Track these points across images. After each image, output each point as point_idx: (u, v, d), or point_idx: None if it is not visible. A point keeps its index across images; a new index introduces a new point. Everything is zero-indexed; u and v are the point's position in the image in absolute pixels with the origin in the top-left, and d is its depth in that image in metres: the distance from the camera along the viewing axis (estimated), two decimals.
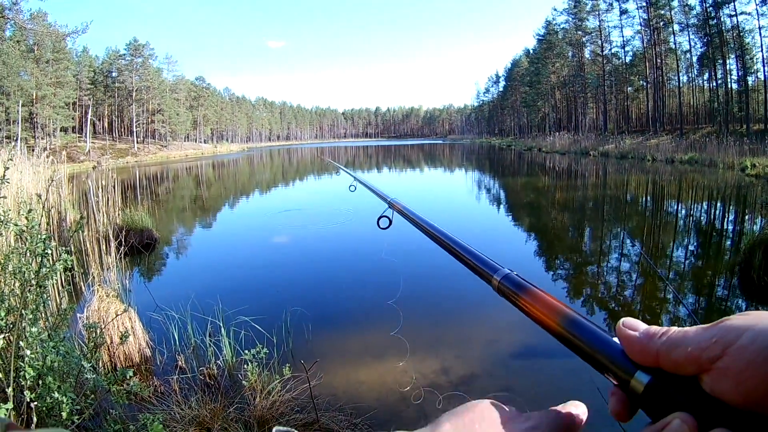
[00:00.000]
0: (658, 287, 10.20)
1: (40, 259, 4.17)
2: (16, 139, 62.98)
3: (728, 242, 14.25)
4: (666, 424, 0.51)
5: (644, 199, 24.93)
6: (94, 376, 3.84)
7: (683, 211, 20.33)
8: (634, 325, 0.60)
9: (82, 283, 9.48)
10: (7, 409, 3.15)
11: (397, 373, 6.63)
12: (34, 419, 3.59)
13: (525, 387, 6.29)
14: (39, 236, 4.21)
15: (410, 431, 0.63)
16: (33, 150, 21.18)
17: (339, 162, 69.41)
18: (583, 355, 0.64)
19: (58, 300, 7.90)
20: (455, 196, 27.90)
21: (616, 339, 0.62)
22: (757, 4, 59.91)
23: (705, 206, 21.66)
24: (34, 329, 3.67)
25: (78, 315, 7.24)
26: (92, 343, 4.81)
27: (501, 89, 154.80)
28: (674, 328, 0.57)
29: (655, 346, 0.56)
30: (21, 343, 3.60)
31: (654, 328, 0.58)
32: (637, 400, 0.57)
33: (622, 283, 10.78)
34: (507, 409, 0.69)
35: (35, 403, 3.52)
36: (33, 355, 3.56)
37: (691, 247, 13.79)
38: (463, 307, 9.11)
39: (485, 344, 7.59)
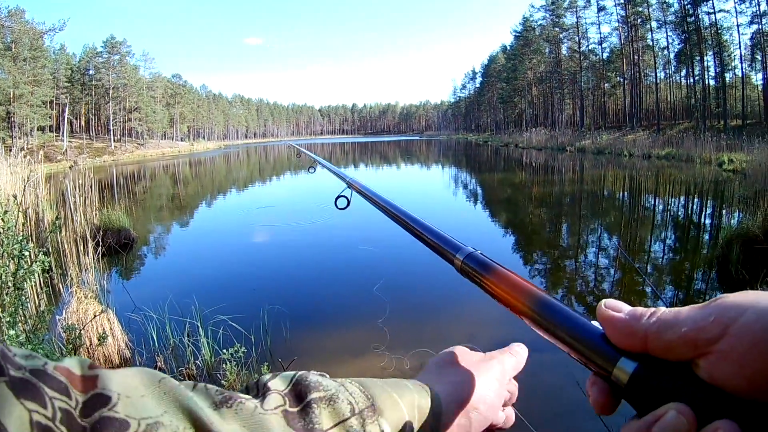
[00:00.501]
0: (636, 281, 10.30)
1: (16, 260, 4.19)
2: None
3: (706, 236, 14.44)
4: (658, 417, 0.43)
5: (621, 194, 25.06)
6: None
7: (660, 206, 20.47)
8: (618, 306, 0.53)
9: (60, 285, 9.48)
10: None
11: (376, 368, 6.69)
12: None
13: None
14: (15, 238, 4.24)
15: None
16: (10, 150, 21.06)
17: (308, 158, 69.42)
18: (558, 340, 0.57)
19: (36, 302, 7.90)
20: (431, 191, 27.93)
21: (595, 323, 0.55)
22: (735, 2, 60.38)
23: (682, 201, 21.87)
24: (12, 332, 3.70)
25: (57, 317, 7.25)
26: (71, 345, 4.84)
27: (478, 85, 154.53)
28: (663, 308, 0.50)
29: (643, 328, 0.49)
30: None
31: (640, 309, 0.52)
32: (620, 390, 0.50)
33: (600, 277, 10.87)
34: (474, 351, 0.91)
35: None
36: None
37: (669, 242, 13.91)
38: (438, 291, 9.19)
39: (467, 333, 7.65)
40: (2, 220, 4.35)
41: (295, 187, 33.21)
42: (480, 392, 0.80)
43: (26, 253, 4.27)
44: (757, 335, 0.40)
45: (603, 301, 0.54)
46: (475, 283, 0.77)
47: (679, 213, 18.89)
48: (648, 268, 11.26)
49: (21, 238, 4.26)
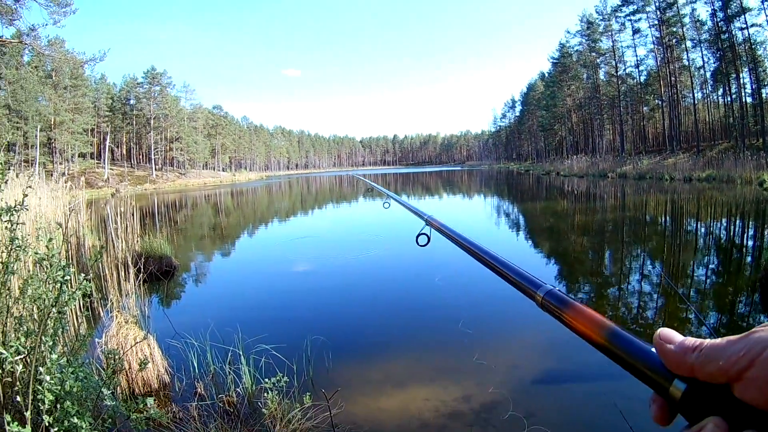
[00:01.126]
0: (680, 307, 10.11)
1: (59, 286, 4.15)
2: (34, 164, 63.51)
3: (749, 258, 14.21)
4: (701, 428, 0.56)
5: (663, 219, 24.76)
6: (114, 402, 3.79)
7: (702, 230, 20.19)
8: (670, 337, 0.64)
9: (100, 309, 9.46)
10: None
11: (419, 402, 6.56)
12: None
13: (553, 415, 6.20)
14: (59, 264, 4.20)
15: None
16: (51, 175, 21.36)
17: (359, 190, 69.63)
18: (625, 365, 0.68)
19: (76, 325, 7.87)
20: (475, 221, 27.79)
21: (653, 349, 0.66)
22: (767, 15, 59.71)
23: (724, 223, 21.59)
24: (54, 356, 3.65)
25: (96, 340, 7.23)
26: (111, 369, 4.77)
27: (517, 114, 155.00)
28: (707, 341, 0.61)
29: (690, 360, 0.61)
30: (41, 368, 3.57)
31: (689, 340, 0.63)
32: (675, 405, 0.62)
33: (643, 303, 10.66)
34: None
35: (54, 429, 3.48)
36: (52, 380, 3.53)
37: (711, 266, 13.63)
38: (494, 332, 9.00)
39: (509, 372, 7.48)
40: (47, 247, 4.31)
41: (338, 218, 33.18)
42: None
43: (68, 278, 4.22)
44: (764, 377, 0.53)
45: (659, 331, 0.66)
46: (554, 317, 0.87)
47: (721, 236, 18.58)
48: (691, 292, 11.06)
49: (64, 264, 4.22)
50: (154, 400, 3.86)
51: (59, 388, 3.58)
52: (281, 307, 11.75)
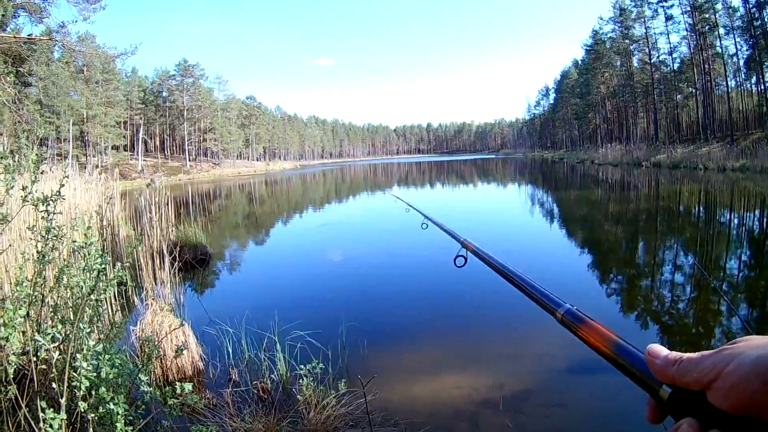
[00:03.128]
0: (712, 299, 10.04)
1: (96, 274, 4.17)
2: (68, 157, 64.03)
3: None
4: (678, 427, 0.68)
5: (698, 209, 24.40)
6: (150, 389, 3.81)
7: (736, 221, 19.81)
8: (657, 352, 0.77)
9: (135, 297, 9.56)
10: (60, 420, 3.13)
11: (451, 389, 6.55)
12: (90, 430, 3.57)
13: (576, 401, 6.19)
14: (97, 252, 4.22)
15: None
16: (85, 167, 21.46)
17: (393, 179, 69.64)
18: (626, 373, 0.81)
19: (111, 313, 7.94)
20: (512, 211, 27.64)
21: None
22: None
23: (758, 215, 21.23)
24: (91, 342, 3.66)
25: (131, 328, 7.28)
26: (146, 356, 4.79)
27: (551, 102, 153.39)
28: (686, 355, 0.73)
29: (671, 372, 0.73)
30: (77, 355, 3.59)
31: (672, 354, 0.75)
32: (664, 407, 0.74)
33: (676, 294, 10.56)
34: None
35: (91, 414, 3.50)
36: (88, 367, 3.54)
37: (744, 258, 13.46)
38: (521, 332, 8.95)
39: (537, 365, 7.46)
40: (85, 235, 4.33)
41: (373, 208, 33.15)
42: None
43: (105, 266, 4.24)
44: (734, 380, 0.63)
45: (648, 347, 0.78)
46: (571, 332, 0.98)
47: (755, 227, 18.31)
48: (724, 284, 10.93)
49: (102, 252, 4.24)
50: (192, 386, 3.87)
51: (94, 375, 3.60)
52: (316, 294, 11.78)
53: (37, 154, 4.86)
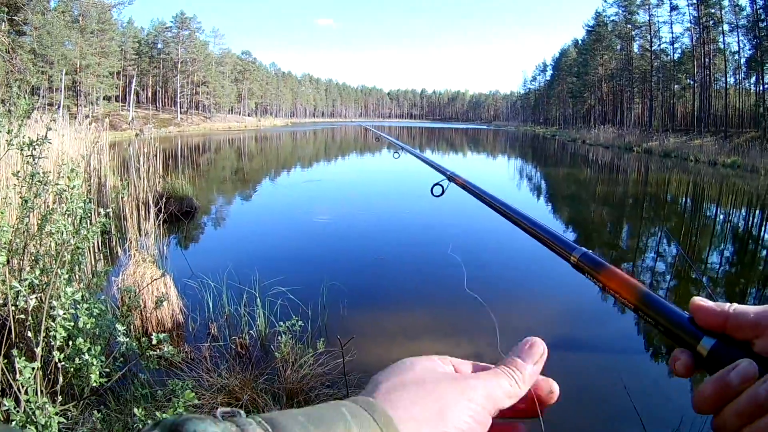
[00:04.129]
0: (692, 290, 10.10)
1: (79, 219, 4.14)
2: (59, 106, 63.59)
3: (765, 252, 14.11)
4: (735, 366, 0.62)
5: (685, 200, 24.48)
6: (127, 339, 3.80)
7: (722, 216, 19.84)
8: (703, 303, 0.71)
9: (118, 248, 9.53)
10: (33, 368, 3.11)
11: (431, 351, 6.57)
12: (60, 380, 3.56)
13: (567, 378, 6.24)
14: (80, 197, 4.19)
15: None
16: (75, 117, 21.33)
17: (383, 142, 69.57)
18: (656, 324, 0.75)
19: (93, 263, 7.92)
20: (499, 182, 27.66)
21: (682, 312, 0.74)
22: None
23: (744, 213, 21.23)
24: (69, 289, 3.64)
25: (113, 278, 7.27)
26: (126, 307, 4.78)
27: (548, 78, 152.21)
28: (735, 304, 0.69)
29: (726, 312, 0.68)
30: (54, 302, 3.57)
31: (721, 303, 0.70)
32: (701, 360, 0.68)
33: (656, 280, 10.65)
34: (444, 362, 0.75)
35: (62, 363, 3.49)
36: (66, 316, 3.52)
37: (726, 254, 13.51)
38: (502, 299, 8.97)
39: (521, 330, 7.49)
40: (68, 178, 4.30)
41: (360, 167, 33.18)
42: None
43: (89, 214, 4.21)
44: None
45: (696, 297, 0.73)
46: (588, 277, 0.90)
47: (740, 225, 18.28)
48: (704, 279, 10.98)
49: (85, 198, 4.21)
50: (168, 338, 3.86)
51: (72, 324, 3.58)
52: (300, 252, 11.79)
53: (27, 102, 4.82)
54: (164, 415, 2.95)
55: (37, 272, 3.87)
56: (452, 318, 7.94)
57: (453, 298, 8.74)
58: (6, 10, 40.05)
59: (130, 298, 4.98)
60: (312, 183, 24.57)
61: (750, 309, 0.67)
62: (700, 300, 0.72)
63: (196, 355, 5.87)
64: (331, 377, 5.46)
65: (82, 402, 3.94)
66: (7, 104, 5.11)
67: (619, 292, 0.82)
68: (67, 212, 4.17)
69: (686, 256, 11.85)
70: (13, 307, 3.67)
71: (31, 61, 61.47)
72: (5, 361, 3.41)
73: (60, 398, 3.43)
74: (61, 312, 3.46)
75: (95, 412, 3.59)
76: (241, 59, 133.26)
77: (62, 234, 4.07)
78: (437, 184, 1.99)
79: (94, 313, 3.73)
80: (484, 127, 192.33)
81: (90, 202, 4.30)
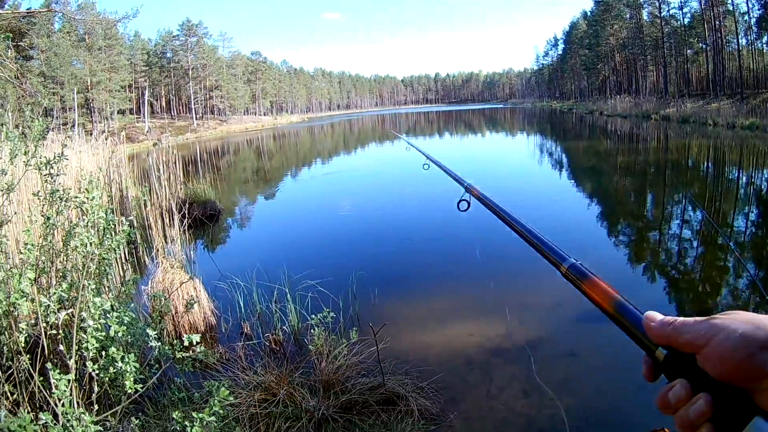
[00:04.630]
0: (719, 255, 10.01)
1: (102, 230, 4.15)
2: (74, 125, 63.95)
3: None
4: (672, 386, 0.72)
5: (707, 164, 23.97)
6: (159, 344, 3.80)
7: (745, 179, 19.37)
8: (654, 317, 0.80)
9: (146, 257, 9.58)
10: (68, 380, 3.12)
11: (463, 337, 6.57)
12: (96, 389, 3.57)
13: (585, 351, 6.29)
14: (101, 208, 4.20)
15: None
16: (91, 133, 21.44)
17: (400, 129, 69.41)
18: (626, 331, 0.84)
19: (122, 273, 7.96)
20: (521, 160, 27.58)
21: None
22: None
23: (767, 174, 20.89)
24: (97, 299, 3.64)
25: (142, 287, 7.30)
26: (157, 312, 4.79)
27: (560, 52, 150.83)
28: (681, 318, 0.77)
29: (666, 332, 0.76)
30: (84, 314, 3.58)
31: (667, 318, 0.78)
32: (659, 366, 0.78)
33: (684, 248, 10.56)
34: None
35: (97, 373, 3.50)
36: (96, 326, 3.53)
37: (753, 217, 13.28)
38: (528, 283, 8.93)
39: (547, 315, 7.48)
40: (87, 189, 4.31)
41: (379, 157, 33.16)
42: None
43: (111, 225, 4.22)
44: (722, 350, 0.67)
45: (646, 312, 0.82)
46: (574, 286, 1.00)
47: (763, 186, 17.85)
48: (731, 244, 10.82)
49: (106, 208, 4.22)
50: (200, 341, 3.85)
51: (104, 335, 3.59)
52: (326, 244, 11.87)
53: (40, 123, 4.84)
54: (201, 416, 2.94)
55: (65, 286, 3.87)
56: (481, 300, 7.93)
57: (480, 280, 8.74)
58: (11, 36, 40.27)
59: (160, 303, 4.99)
60: (332, 175, 24.68)
61: (690, 324, 0.74)
62: (650, 314, 0.81)
63: (230, 355, 5.89)
64: (367, 366, 5.46)
65: (120, 411, 3.96)
66: (21, 128, 5.13)
67: (597, 301, 0.92)
68: (90, 224, 4.18)
69: (712, 221, 11.68)
70: (44, 324, 3.68)
71: (41, 83, 61.86)
72: (41, 378, 3.42)
73: (96, 408, 3.44)
74: (91, 323, 3.47)
75: (133, 419, 3.60)
76: (251, 60, 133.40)
77: (86, 246, 4.08)
78: (462, 200, 2.11)
79: (125, 321, 3.74)
80: (501, 105, 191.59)
81: (112, 213, 4.31)
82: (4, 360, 3.68)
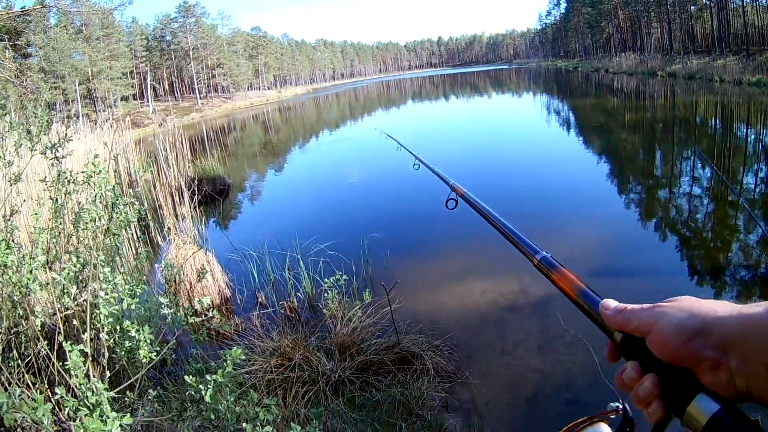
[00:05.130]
0: (729, 212, 9.96)
1: (111, 206, 4.17)
2: (78, 116, 64.04)
3: None
4: (625, 368, 0.80)
5: (715, 121, 23.70)
6: (171, 311, 3.82)
7: (753, 135, 19.13)
8: (608, 304, 0.88)
9: (158, 237, 9.61)
10: (81, 350, 3.13)
11: (476, 295, 6.59)
12: (106, 354, 3.60)
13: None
14: (108, 182, 4.22)
15: None
16: (96, 122, 21.45)
17: (406, 94, 69.21)
18: (589, 316, 0.91)
19: (134, 252, 7.99)
20: (528, 120, 27.47)
21: None
22: None
23: None
24: (107, 269, 3.66)
25: (156, 266, 7.34)
26: (170, 283, 4.81)
27: (563, 11, 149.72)
28: (630, 306, 0.84)
29: (618, 319, 0.84)
30: (94, 284, 3.60)
31: (620, 305, 0.86)
32: (617, 348, 0.85)
33: (694, 205, 10.50)
34: None
35: (110, 344, 3.53)
36: (108, 299, 3.55)
37: (761, 174, 13.15)
38: (544, 239, 8.90)
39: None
40: (93, 164, 4.32)
41: (387, 123, 33.08)
42: None
43: (120, 202, 4.23)
44: (663, 335, 0.75)
45: (602, 301, 0.90)
46: (544, 276, 1.09)
47: None
48: (742, 200, 10.70)
49: (114, 184, 4.24)
50: (214, 310, 3.87)
51: (117, 308, 3.61)
52: (336, 210, 12.01)
53: (44, 113, 4.86)
54: (214, 377, 2.97)
55: (76, 262, 3.89)
56: (494, 257, 7.94)
57: (491, 237, 8.74)
58: (7, 36, 40.22)
59: (170, 273, 5.02)
60: (341, 143, 24.69)
61: (636, 312, 0.81)
62: (606, 302, 0.89)
63: (246, 325, 5.92)
64: (381, 326, 5.52)
65: (138, 385, 4.00)
66: (26, 124, 5.15)
67: (564, 289, 1.02)
68: (98, 198, 4.20)
69: (723, 177, 11.56)
70: (59, 305, 3.70)
71: (42, 79, 61.80)
72: (60, 363, 3.42)
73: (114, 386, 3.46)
74: (102, 294, 3.49)
75: (151, 391, 3.64)
76: (252, 36, 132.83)
77: (95, 221, 4.11)
78: (450, 198, 2.21)
79: (137, 293, 3.75)
80: (505, 66, 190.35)
81: (120, 186, 4.34)
82: (23, 348, 3.69)
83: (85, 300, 3.68)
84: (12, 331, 3.83)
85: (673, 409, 0.75)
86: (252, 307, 6.65)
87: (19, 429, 2.90)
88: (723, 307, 0.75)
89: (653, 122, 23.73)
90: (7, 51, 38.12)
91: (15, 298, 3.79)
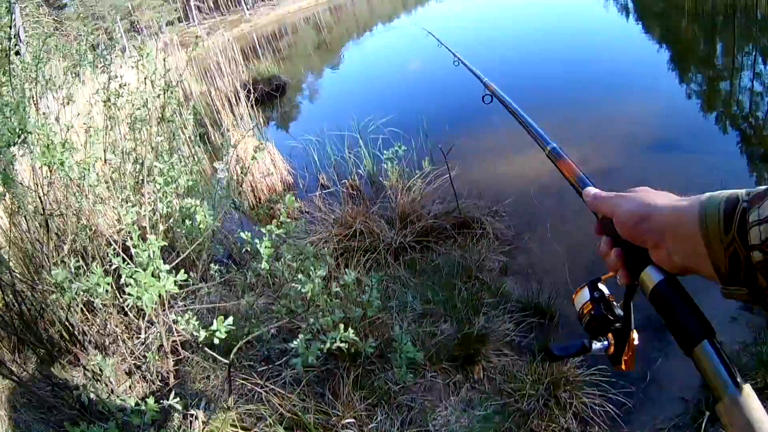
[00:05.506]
0: None
1: (164, 93, 4.18)
2: (124, 50, 64.19)
3: None
4: (601, 243, 0.97)
5: None
6: (231, 195, 3.85)
7: None
8: (588, 192, 1.05)
9: (218, 141, 9.71)
10: (134, 213, 3.10)
11: (536, 164, 6.55)
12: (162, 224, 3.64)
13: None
14: (159, 75, 4.25)
15: None
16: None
17: None
18: (584, 200, 1.07)
19: (192, 151, 8.10)
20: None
21: None
22: None
23: None
24: (167, 157, 3.69)
25: (216, 165, 7.48)
26: (239, 170, 4.80)
27: None
28: (604, 193, 0.99)
29: (594, 204, 1.00)
30: (148, 156, 3.64)
31: (598, 192, 1.02)
32: (601, 226, 1.00)
33: (755, 103, 9.96)
34: None
35: (168, 210, 3.55)
36: (163, 168, 3.52)
37: None
38: (608, 111, 8.75)
39: (619, 135, 7.38)
40: (143, 58, 4.33)
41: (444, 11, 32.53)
42: None
43: (171, 86, 4.25)
44: (620, 220, 0.88)
45: (584, 189, 1.07)
46: (554, 165, 1.31)
47: None
48: None
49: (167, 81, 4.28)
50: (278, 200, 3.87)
51: (174, 187, 3.60)
52: (395, 93, 11.92)
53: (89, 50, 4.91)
54: (269, 227, 2.96)
55: (136, 166, 3.92)
56: (556, 128, 7.85)
57: (555, 102, 8.64)
58: None
59: (233, 155, 5.09)
60: (396, 33, 24.45)
61: (606, 197, 0.97)
62: (588, 189, 1.06)
63: (309, 207, 6.00)
64: (440, 193, 5.59)
65: (201, 269, 4.12)
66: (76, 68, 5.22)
67: (567, 177, 1.21)
68: (158, 97, 4.20)
69: None
70: (124, 212, 3.69)
71: (81, 27, 62.15)
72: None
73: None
74: (159, 165, 3.50)
75: (215, 274, 3.71)
76: None
77: (146, 102, 4.12)
78: (486, 94, 2.44)
79: (194, 170, 3.79)
80: None
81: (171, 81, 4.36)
82: (96, 265, 3.67)
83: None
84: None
85: (633, 276, 0.90)
86: (314, 189, 6.75)
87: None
88: (663, 199, 0.87)
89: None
90: (41, 7, 38.48)
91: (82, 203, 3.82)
